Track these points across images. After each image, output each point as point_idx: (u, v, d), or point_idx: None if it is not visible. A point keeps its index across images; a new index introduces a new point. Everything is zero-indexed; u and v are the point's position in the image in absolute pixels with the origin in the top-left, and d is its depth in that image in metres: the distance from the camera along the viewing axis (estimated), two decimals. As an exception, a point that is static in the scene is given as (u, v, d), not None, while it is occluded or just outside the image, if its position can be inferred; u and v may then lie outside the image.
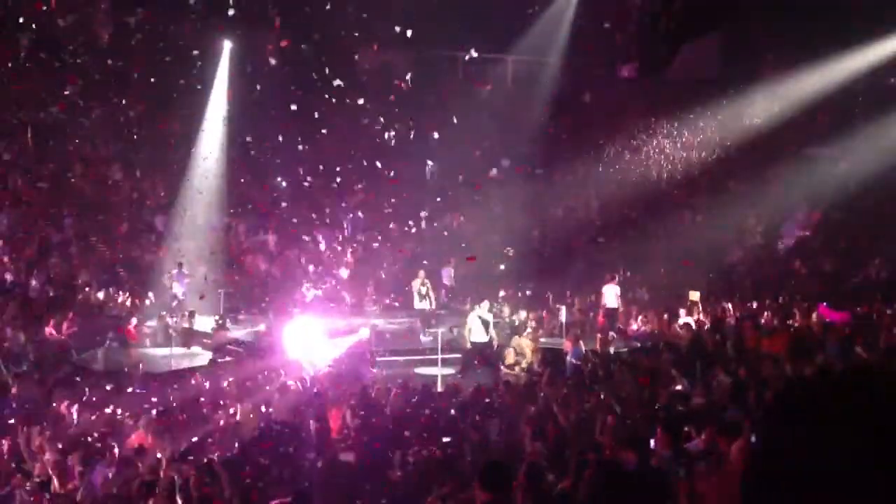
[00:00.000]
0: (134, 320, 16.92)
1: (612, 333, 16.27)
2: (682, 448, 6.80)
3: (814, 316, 15.08)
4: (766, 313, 15.78)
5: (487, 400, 10.90)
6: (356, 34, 21.57)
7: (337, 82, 20.05)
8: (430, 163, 23.66)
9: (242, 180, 21.85)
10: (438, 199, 22.57)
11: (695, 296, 17.29)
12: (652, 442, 6.81)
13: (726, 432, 6.71)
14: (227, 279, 19.52)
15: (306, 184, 21.74)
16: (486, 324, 15.31)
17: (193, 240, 19.66)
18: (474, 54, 21.83)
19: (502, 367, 15.00)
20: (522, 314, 18.07)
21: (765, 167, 21.60)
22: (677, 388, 10.48)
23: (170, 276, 18.53)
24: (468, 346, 15.25)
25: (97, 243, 19.25)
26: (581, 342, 14.78)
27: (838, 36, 19.76)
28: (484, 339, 15.18)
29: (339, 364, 13.91)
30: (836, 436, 0.85)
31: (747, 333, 14.49)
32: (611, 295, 17.96)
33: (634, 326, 17.33)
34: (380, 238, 22.04)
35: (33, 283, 17.17)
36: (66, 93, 20.59)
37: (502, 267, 21.15)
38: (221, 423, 10.40)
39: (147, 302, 18.02)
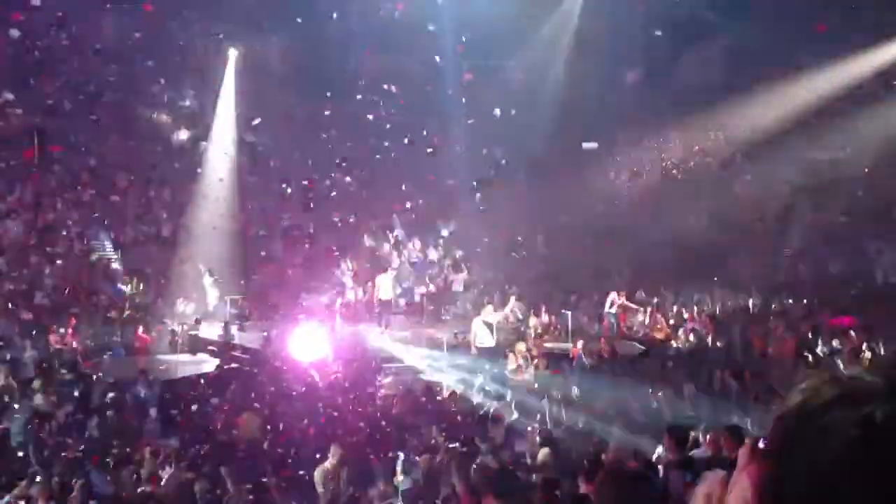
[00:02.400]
0: (141, 327, 16.93)
1: (617, 338, 16.25)
2: (688, 454, 6.78)
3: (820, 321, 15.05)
4: (771, 318, 15.74)
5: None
6: (361, 41, 21.66)
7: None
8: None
9: (252, 185, 21.87)
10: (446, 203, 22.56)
11: None
12: (659, 447, 6.81)
13: (731, 437, 6.70)
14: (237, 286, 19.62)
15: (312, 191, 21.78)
16: (490, 328, 15.25)
17: (206, 246, 19.70)
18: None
19: (507, 373, 14.95)
20: (526, 318, 18.06)
21: (770, 171, 21.57)
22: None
23: (207, 281, 18.58)
24: (474, 351, 15.20)
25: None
26: (587, 346, 14.75)
27: (842, 39, 19.75)
28: (491, 343, 15.12)
29: (345, 371, 13.87)
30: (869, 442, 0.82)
31: (754, 338, 14.46)
32: (612, 300, 18.00)
33: (641, 331, 17.30)
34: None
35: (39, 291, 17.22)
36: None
37: (507, 271, 21.16)
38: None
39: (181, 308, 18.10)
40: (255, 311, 19.21)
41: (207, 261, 19.24)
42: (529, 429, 9.25)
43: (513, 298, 16.02)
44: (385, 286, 18.64)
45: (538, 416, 10.48)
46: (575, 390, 11.98)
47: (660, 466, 6.53)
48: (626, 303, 17.87)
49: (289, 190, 22.23)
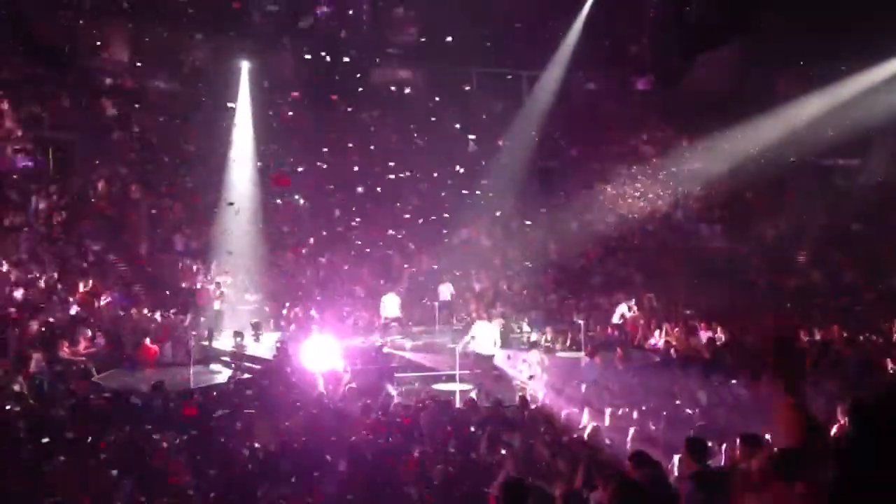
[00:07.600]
0: (148, 339, 16.96)
1: (630, 348, 16.19)
2: (705, 464, 6.72)
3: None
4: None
5: (506, 415, 10.84)
6: (371, 50, 21.77)
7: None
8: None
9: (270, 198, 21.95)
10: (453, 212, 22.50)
11: None
12: (676, 458, 6.77)
13: (748, 446, 6.63)
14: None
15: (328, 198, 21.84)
16: (493, 337, 15.31)
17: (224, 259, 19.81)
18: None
19: (519, 382, 14.90)
20: (539, 327, 18.02)
21: (783, 179, 21.46)
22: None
23: (216, 293, 18.66)
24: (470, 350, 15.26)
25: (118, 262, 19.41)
26: (599, 356, 14.68)
27: (855, 47, 19.65)
28: (491, 352, 15.18)
29: (361, 380, 13.85)
30: None
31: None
32: (622, 312, 17.96)
33: (653, 341, 17.21)
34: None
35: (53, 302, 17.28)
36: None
37: (520, 280, 21.11)
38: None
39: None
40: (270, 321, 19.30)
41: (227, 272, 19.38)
42: (546, 437, 9.20)
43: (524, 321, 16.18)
44: (391, 304, 18.71)
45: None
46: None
47: (672, 477, 6.50)
48: (636, 314, 17.85)
49: (301, 201, 22.28)
